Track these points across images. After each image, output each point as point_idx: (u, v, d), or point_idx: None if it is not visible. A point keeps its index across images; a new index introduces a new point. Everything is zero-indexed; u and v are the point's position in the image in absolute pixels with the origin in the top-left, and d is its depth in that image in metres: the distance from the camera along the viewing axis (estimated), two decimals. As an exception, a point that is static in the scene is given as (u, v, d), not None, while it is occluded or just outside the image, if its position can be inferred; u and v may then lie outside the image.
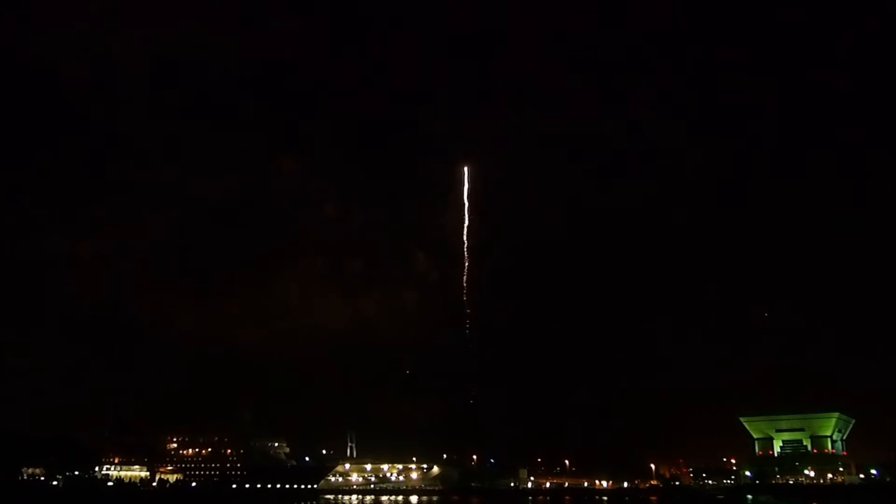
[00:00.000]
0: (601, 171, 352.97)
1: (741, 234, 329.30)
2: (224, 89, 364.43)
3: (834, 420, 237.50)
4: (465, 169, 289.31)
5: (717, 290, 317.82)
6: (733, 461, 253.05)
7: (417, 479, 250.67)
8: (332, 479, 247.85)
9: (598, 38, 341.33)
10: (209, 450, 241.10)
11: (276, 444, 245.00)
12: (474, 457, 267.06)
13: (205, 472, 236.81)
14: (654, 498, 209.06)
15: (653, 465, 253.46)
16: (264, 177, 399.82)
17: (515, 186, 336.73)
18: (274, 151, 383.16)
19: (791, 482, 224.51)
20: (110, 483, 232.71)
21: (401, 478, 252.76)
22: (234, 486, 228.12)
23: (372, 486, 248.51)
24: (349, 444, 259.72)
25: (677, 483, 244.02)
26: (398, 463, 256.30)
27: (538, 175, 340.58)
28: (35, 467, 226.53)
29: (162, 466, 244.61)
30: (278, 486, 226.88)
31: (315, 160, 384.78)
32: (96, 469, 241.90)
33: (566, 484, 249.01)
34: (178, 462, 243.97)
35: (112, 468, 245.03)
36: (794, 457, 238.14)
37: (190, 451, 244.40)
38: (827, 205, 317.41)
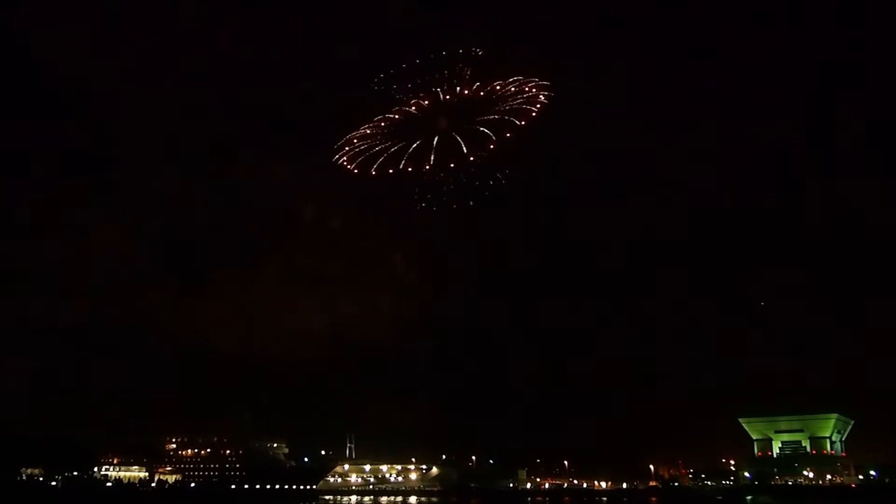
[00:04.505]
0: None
1: (742, 234, 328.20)
2: (218, 91, 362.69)
3: (833, 421, 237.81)
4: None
5: (717, 290, 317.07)
6: (732, 462, 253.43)
7: (416, 480, 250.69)
8: (332, 479, 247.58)
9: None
10: (208, 450, 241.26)
11: (276, 445, 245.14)
12: (473, 457, 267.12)
13: (204, 473, 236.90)
14: (653, 499, 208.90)
15: (652, 467, 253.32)
16: (263, 177, 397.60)
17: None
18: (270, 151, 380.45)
19: (790, 483, 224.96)
20: (109, 484, 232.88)
21: (400, 478, 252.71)
22: (233, 486, 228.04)
23: (371, 486, 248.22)
24: (348, 444, 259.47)
25: (676, 484, 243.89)
26: (397, 464, 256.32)
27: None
28: (34, 467, 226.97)
29: (161, 467, 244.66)
30: (277, 486, 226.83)
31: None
32: (95, 469, 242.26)
33: (565, 485, 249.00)
34: (178, 463, 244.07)
35: (111, 469, 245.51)
36: (793, 458, 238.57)
37: (189, 451, 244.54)
38: (828, 204, 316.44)
